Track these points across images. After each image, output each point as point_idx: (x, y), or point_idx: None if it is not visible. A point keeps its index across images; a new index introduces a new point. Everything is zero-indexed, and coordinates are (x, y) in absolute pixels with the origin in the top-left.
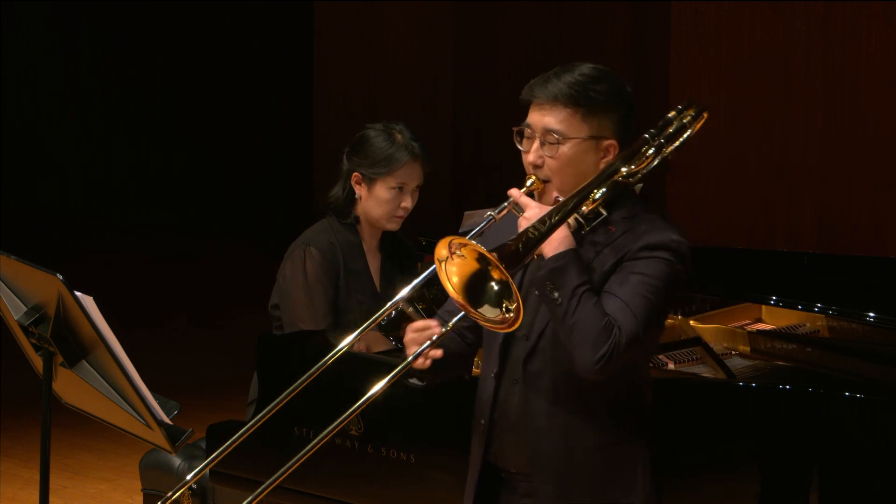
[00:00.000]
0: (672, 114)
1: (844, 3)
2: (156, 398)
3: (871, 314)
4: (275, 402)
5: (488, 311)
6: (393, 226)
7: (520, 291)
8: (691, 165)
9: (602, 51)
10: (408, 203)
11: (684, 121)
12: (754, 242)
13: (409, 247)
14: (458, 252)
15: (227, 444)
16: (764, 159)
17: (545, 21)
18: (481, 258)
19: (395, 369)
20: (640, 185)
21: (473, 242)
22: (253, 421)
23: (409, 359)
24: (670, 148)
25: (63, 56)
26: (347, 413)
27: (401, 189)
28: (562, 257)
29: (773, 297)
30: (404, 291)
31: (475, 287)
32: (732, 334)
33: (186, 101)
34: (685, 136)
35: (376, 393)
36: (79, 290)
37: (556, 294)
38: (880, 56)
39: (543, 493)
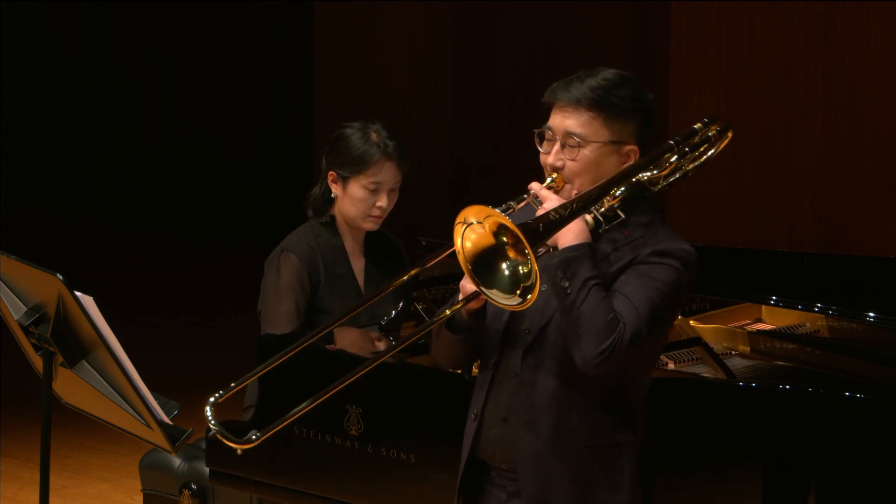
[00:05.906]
0: (698, 125)
1: (844, 3)
2: (156, 398)
3: (871, 314)
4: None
5: (498, 290)
6: (370, 225)
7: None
8: None
9: (602, 51)
10: (383, 203)
11: (709, 134)
12: (754, 242)
13: (394, 245)
14: (477, 222)
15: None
16: (764, 159)
17: (545, 21)
18: (500, 232)
19: (453, 307)
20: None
21: (499, 213)
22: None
23: (461, 302)
24: (692, 164)
25: (65, 56)
26: (386, 353)
27: (375, 188)
28: (577, 248)
29: (773, 297)
30: (427, 263)
31: (487, 262)
32: (732, 334)
33: (186, 101)
34: (709, 153)
35: (426, 329)
36: (79, 290)
37: (566, 283)
38: (880, 56)
39: (528, 491)
